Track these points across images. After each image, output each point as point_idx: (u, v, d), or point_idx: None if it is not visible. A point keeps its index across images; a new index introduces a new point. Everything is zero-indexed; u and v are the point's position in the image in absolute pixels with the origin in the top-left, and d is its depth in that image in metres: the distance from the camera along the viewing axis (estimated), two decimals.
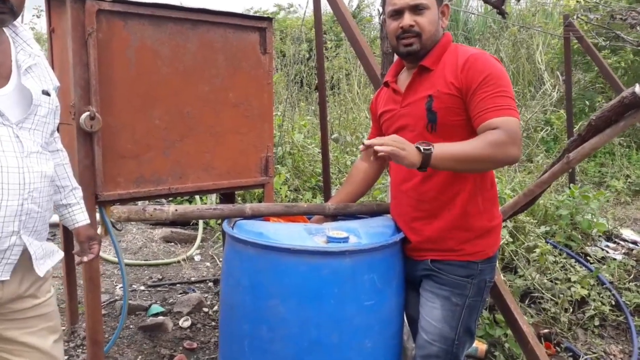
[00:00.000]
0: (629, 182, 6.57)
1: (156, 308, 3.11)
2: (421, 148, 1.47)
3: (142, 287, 3.49)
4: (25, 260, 1.42)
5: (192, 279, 3.68)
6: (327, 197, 3.97)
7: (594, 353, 2.84)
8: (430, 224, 1.71)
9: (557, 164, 2.20)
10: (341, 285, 1.59)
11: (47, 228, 1.52)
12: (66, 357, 2.54)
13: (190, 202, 4.58)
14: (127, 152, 2.18)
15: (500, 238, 1.84)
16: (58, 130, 1.65)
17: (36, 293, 1.50)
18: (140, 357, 2.64)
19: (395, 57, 1.88)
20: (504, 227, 3.34)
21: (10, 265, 1.38)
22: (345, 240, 1.64)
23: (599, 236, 4.13)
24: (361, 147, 1.50)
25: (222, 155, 2.44)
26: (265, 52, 2.51)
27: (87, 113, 2.01)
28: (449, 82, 1.62)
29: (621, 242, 4.19)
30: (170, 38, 2.23)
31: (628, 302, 3.25)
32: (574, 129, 5.63)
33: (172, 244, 4.39)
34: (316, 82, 5.99)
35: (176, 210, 1.82)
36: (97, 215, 2.15)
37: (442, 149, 1.49)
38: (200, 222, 4.53)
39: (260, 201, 4.57)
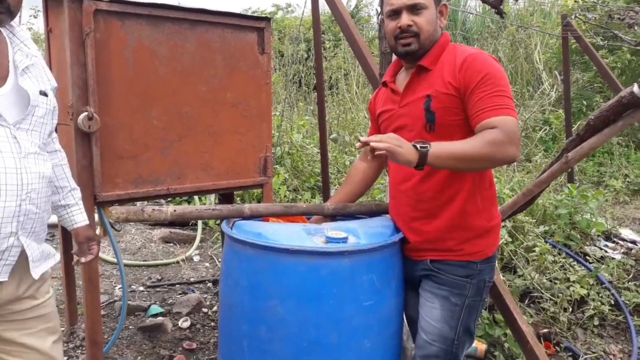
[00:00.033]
0: (628, 182, 6.58)
1: (155, 309, 3.11)
2: (418, 146, 1.47)
3: (141, 288, 3.49)
4: (23, 261, 1.42)
5: (191, 279, 3.67)
6: (326, 197, 3.97)
7: (594, 353, 2.84)
8: (429, 223, 1.71)
9: (555, 163, 2.20)
10: (340, 285, 1.59)
11: (46, 229, 1.52)
12: (65, 358, 2.53)
13: (189, 203, 4.58)
14: (125, 152, 2.17)
15: (500, 238, 1.84)
16: (56, 130, 1.65)
17: (35, 294, 1.50)
18: (139, 357, 2.64)
19: (394, 56, 1.88)
20: (503, 226, 3.34)
21: (9, 267, 1.38)
22: (344, 240, 1.64)
23: (598, 236, 4.14)
24: (357, 144, 1.50)
25: (221, 156, 2.44)
26: (263, 52, 2.51)
27: (85, 113, 2.00)
28: (447, 82, 1.62)
29: (620, 242, 4.19)
30: (168, 38, 2.23)
31: (627, 302, 3.25)
32: (573, 129, 5.64)
33: (171, 244, 4.38)
34: (314, 82, 5.98)
35: (175, 210, 1.82)
36: (96, 216, 2.14)
37: (439, 148, 1.49)
38: (199, 222, 4.53)
39: (259, 201, 4.57)
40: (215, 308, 3.20)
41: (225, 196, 2.96)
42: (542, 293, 3.11)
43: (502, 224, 3.01)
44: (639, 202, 6.07)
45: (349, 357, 1.62)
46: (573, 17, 5.45)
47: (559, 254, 3.54)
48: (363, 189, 2.05)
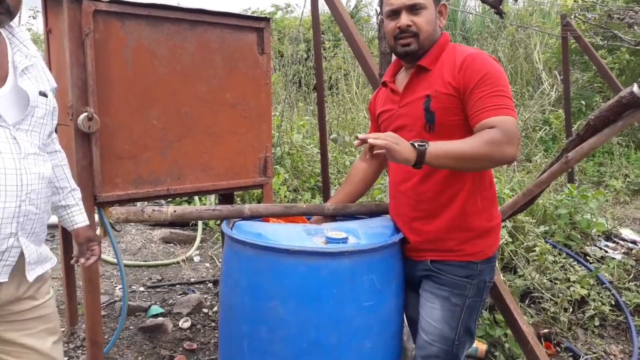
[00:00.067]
0: (628, 182, 6.58)
1: (156, 309, 3.11)
2: (415, 144, 1.47)
3: (142, 288, 3.49)
4: (23, 262, 1.41)
5: (192, 279, 3.67)
6: (326, 197, 3.97)
7: (594, 353, 2.84)
8: (430, 224, 1.71)
9: (555, 163, 2.20)
10: (340, 285, 1.59)
11: (45, 230, 1.52)
12: (66, 359, 2.53)
13: (189, 203, 4.57)
14: (124, 152, 2.17)
15: (500, 238, 1.84)
16: (56, 131, 1.65)
17: (35, 295, 1.50)
18: (140, 358, 2.63)
19: (393, 57, 1.88)
20: (503, 227, 3.34)
21: (9, 267, 1.37)
22: (344, 240, 1.64)
23: (598, 236, 4.13)
24: (356, 142, 1.51)
25: (220, 156, 2.44)
26: (262, 53, 2.51)
27: (85, 114, 2.00)
28: (446, 82, 1.62)
29: (620, 242, 4.19)
30: (167, 38, 2.23)
31: (628, 302, 3.25)
32: (573, 129, 5.64)
33: (172, 244, 4.38)
34: (314, 82, 5.98)
35: (175, 211, 1.82)
36: (96, 217, 2.14)
37: (437, 147, 1.49)
38: (200, 223, 4.53)
39: (259, 202, 4.57)
40: (215, 308, 3.20)
41: (225, 196, 2.95)
42: (543, 293, 3.11)
43: (503, 224, 3.01)
44: (639, 202, 6.07)
45: (349, 357, 1.62)
46: (572, 17, 5.45)
47: (559, 254, 3.54)
48: (363, 189, 2.05)
